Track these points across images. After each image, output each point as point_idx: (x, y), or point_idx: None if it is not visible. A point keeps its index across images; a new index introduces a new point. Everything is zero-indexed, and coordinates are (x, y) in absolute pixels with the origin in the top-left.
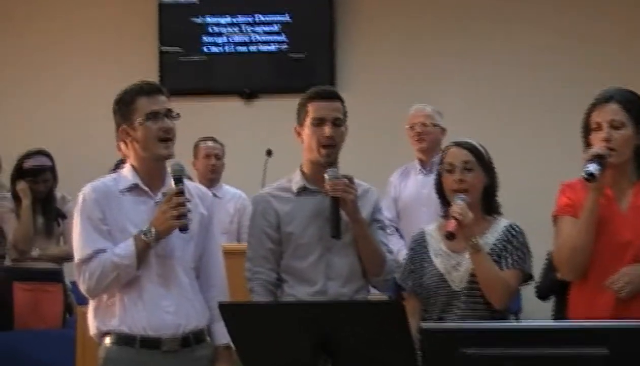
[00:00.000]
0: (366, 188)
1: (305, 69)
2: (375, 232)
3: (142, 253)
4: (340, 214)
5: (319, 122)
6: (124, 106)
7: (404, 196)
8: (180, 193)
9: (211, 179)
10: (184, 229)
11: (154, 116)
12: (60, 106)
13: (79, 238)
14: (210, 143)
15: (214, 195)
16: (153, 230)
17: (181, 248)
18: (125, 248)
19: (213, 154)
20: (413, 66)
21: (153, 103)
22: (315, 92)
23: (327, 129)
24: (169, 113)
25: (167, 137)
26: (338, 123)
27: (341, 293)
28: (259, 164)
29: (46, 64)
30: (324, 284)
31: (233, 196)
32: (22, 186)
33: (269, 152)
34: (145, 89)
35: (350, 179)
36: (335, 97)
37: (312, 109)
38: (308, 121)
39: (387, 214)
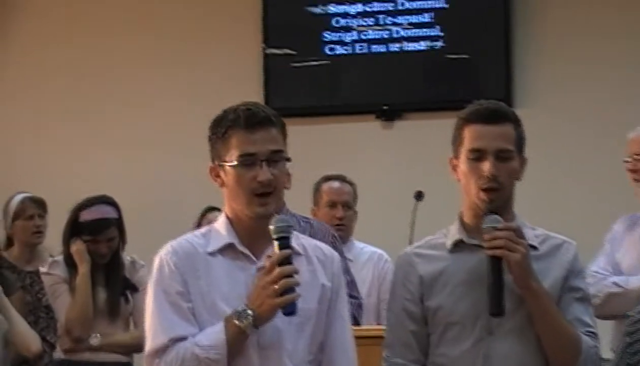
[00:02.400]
0: (557, 243)
1: (469, 76)
2: (570, 305)
3: (236, 343)
4: (506, 281)
5: (477, 154)
6: (217, 137)
7: (626, 256)
8: (286, 260)
9: (339, 235)
10: (289, 311)
11: (249, 160)
12: (130, 137)
13: (151, 320)
14: (336, 185)
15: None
16: (250, 312)
17: (292, 335)
18: (213, 336)
19: (341, 201)
20: (623, 74)
21: (250, 142)
22: (474, 112)
23: (487, 166)
24: (274, 157)
25: (263, 192)
26: (505, 156)
27: None
28: (404, 212)
29: (110, 78)
30: None
31: (370, 258)
32: (77, 246)
33: (418, 195)
34: (242, 120)
35: (517, 231)
36: (502, 118)
37: (469, 136)
38: (464, 152)
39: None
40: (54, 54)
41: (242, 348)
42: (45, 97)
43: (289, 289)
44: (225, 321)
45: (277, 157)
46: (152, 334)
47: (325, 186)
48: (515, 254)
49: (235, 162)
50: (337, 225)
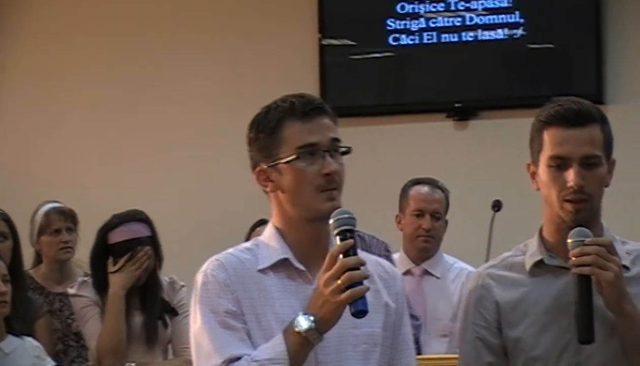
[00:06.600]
0: None
1: (554, 69)
2: None
3: (298, 354)
4: (596, 305)
5: (560, 162)
6: (265, 134)
7: None
8: (351, 250)
9: (424, 248)
10: (359, 309)
11: (310, 151)
12: (167, 140)
13: (199, 343)
14: (426, 190)
15: (428, 273)
16: (311, 316)
17: (357, 361)
18: (271, 349)
19: (430, 210)
20: None
21: (310, 131)
22: (554, 114)
23: (571, 175)
24: (334, 146)
25: (330, 187)
26: (592, 162)
27: None
28: (480, 225)
29: (147, 76)
30: None
31: (459, 276)
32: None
33: (496, 205)
34: (298, 108)
35: (608, 246)
36: (587, 119)
37: (550, 142)
38: (544, 160)
39: None
40: (83, 50)
41: (304, 361)
42: (74, 95)
43: (356, 284)
44: (284, 332)
45: (337, 147)
46: (202, 358)
47: (413, 191)
48: (607, 272)
49: (294, 157)
50: (423, 236)
